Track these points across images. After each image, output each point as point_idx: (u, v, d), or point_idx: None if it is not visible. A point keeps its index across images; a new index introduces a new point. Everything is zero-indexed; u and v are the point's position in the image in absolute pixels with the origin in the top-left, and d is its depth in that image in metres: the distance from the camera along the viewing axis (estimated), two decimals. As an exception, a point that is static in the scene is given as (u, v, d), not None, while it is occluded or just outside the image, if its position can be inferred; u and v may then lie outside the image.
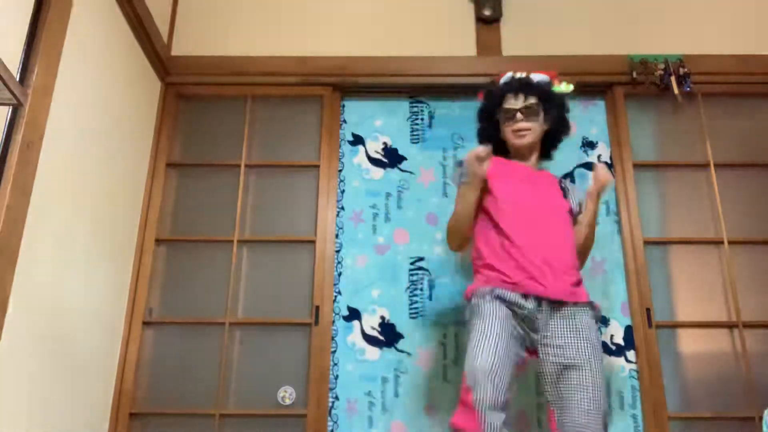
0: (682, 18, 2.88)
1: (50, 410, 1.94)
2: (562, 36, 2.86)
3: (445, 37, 2.87)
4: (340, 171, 2.72)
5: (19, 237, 1.74)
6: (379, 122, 2.80)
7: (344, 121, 2.80)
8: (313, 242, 2.61)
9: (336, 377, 2.44)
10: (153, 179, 2.67)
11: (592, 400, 1.78)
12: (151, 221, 2.62)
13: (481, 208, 2.07)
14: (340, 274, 2.58)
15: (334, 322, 2.51)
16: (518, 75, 2.16)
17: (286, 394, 2.43)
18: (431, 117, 2.80)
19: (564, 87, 2.17)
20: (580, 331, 1.86)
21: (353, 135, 2.78)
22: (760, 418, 2.28)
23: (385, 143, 2.76)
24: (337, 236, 2.63)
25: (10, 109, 1.76)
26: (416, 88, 2.82)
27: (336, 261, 2.59)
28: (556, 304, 1.89)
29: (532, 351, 1.93)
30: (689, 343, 2.48)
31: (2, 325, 1.66)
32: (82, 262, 2.14)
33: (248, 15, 2.93)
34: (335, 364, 2.46)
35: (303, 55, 2.83)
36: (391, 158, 2.74)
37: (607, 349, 2.44)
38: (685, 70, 2.70)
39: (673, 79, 2.69)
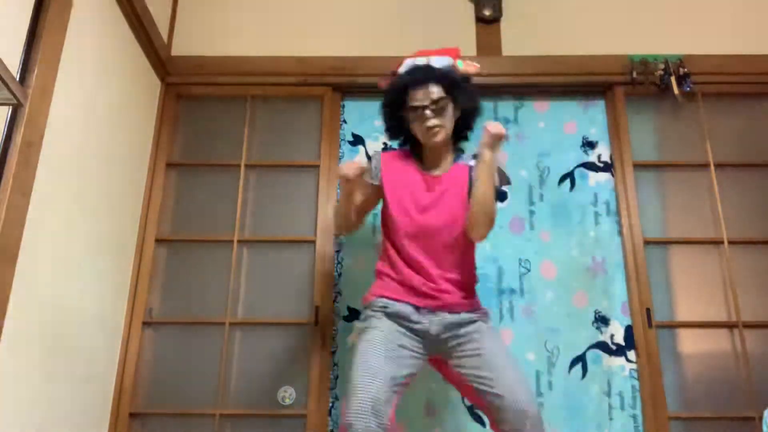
0: (682, 18, 2.88)
1: (50, 410, 1.94)
2: (562, 36, 2.86)
3: (445, 37, 2.86)
4: (340, 171, 2.72)
5: (19, 237, 1.74)
6: (379, 122, 2.77)
7: (344, 121, 2.79)
8: (313, 242, 2.61)
9: (336, 377, 2.44)
10: (153, 179, 2.67)
11: (515, 375, 1.80)
12: (151, 221, 2.62)
13: (383, 213, 2.06)
14: (340, 275, 2.57)
15: (334, 322, 2.51)
16: (420, 63, 2.02)
17: (286, 394, 2.43)
18: (431, 117, 2.80)
19: (469, 67, 2.05)
20: (476, 325, 1.90)
21: (353, 135, 2.78)
22: (760, 418, 2.28)
23: (385, 143, 2.76)
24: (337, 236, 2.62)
25: (10, 109, 1.76)
26: (416, 88, 2.81)
27: (336, 261, 2.59)
28: (448, 315, 1.90)
29: (434, 358, 1.97)
30: (689, 343, 2.48)
31: (2, 325, 1.66)
32: (82, 262, 2.14)
33: (248, 15, 2.93)
34: (335, 364, 2.46)
35: (303, 55, 2.83)
36: (391, 158, 2.74)
37: (607, 349, 2.44)
38: (685, 70, 2.70)
39: (673, 79, 2.69)
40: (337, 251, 2.60)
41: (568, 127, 2.76)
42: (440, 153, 2.05)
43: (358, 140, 2.77)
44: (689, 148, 2.72)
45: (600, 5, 2.93)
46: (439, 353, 1.94)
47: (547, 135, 2.74)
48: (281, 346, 2.50)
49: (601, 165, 2.69)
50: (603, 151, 2.71)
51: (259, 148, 2.77)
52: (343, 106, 2.81)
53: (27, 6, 1.85)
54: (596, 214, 2.62)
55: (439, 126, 1.97)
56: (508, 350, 1.91)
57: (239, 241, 2.62)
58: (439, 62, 2.01)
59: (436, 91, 1.97)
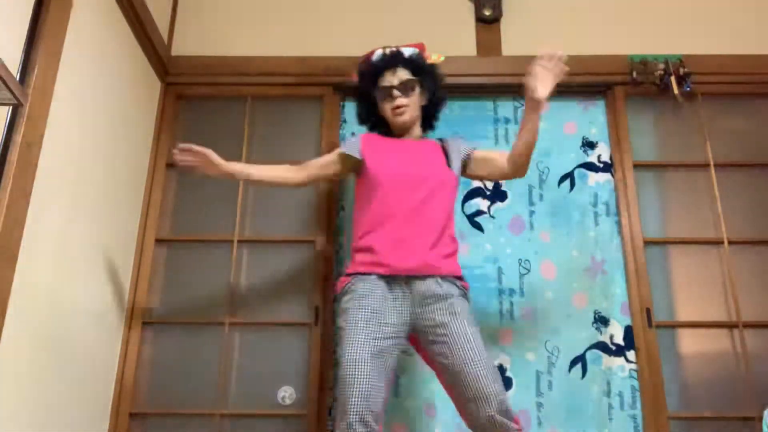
0: (682, 18, 2.88)
1: (50, 410, 1.94)
2: (562, 36, 2.86)
3: (445, 37, 2.87)
4: (340, 171, 2.72)
5: (19, 237, 1.74)
6: (379, 122, 2.79)
7: (344, 121, 2.79)
8: (313, 242, 2.61)
9: (336, 377, 2.44)
10: (153, 179, 2.68)
11: (486, 369, 1.78)
12: (151, 221, 2.62)
13: (357, 187, 2.11)
14: (340, 275, 2.57)
15: (334, 322, 2.51)
16: (389, 50, 2.16)
17: (286, 394, 2.43)
18: (431, 117, 2.80)
19: (435, 58, 2.21)
20: (453, 309, 1.87)
21: (353, 135, 2.78)
22: (760, 418, 2.28)
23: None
24: (337, 236, 2.62)
25: (10, 109, 1.76)
26: (416, 88, 2.82)
27: (336, 261, 2.59)
28: (421, 281, 1.89)
29: (414, 337, 1.95)
30: (689, 343, 2.48)
31: (2, 325, 1.66)
32: (82, 262, 2.14)
33: (248, 15, 2.93)
34: (335, 364, 2.46)
35: (303, 55, 2.83)
36: (391, 158, 2.74)
37: (607, 349, 2.44)
38: (685, 70, 2.70)
39: (673, 79, 2.69)
40: (337, 251, 2.60)
41: (568, 127, 2.76)
42: (407, 134, 2.16)
43: (358, 140, 2.77)
44: (689, 148, 2.72)
45: (600, 5, 2.93)
46: (414, 331, 1.93)
47: (547, 135, 2.74)
48: (281, 346, 2.50)
49: (601, 165, 2.69)
50: (603, 152, 2.71)
51: (259, 148, 2.77)
52: (343, 106, 2.81)
53: (27, 6, 1.85)
54: (596, 215, 2.62)
55: (405, 105, 2.11)
56: (478, 337, 1.87)
57: (239, 241, 2.62)
58: (407, 51, 2.16)
59: (403, 73, 2.12)
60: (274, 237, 2.64)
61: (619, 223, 2.59)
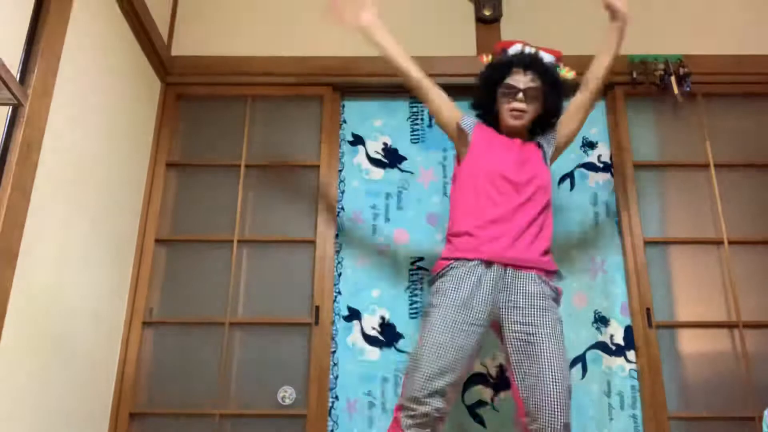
0: (682, 18, 2.88)
1: (50, 410, 1.94)
2: (562, 36, 2.85)
3: (445, 37, 2.87)
4: (340, 171, 2.72)
5: (19, 237, 1.74)
6: (379, 122, 2.80)
7: (344, 121, 2.80)
8: (313, 242, 2.61)
9: (336, 377, 2.44)
10: (153, 179, 2.67)
11: (558, 372, 1.78)
12: (151, 221, 2.62)
13: (460, 172, 2.09)
14: (340, 274, 2.58)
15: (334, 322, 2.51)
16: (528, 50, 2.11)
17: (286, 394, 2.43)
18: (431, 117, 2.80)
19: (567, 73, 2.16)
20: (543, 305, 1.88)
21: (353, 135, 2.78)
22: (760, 418, 2.28)
23: (385, 143, 2.76)
24: (337, 236, 2.63)
25: (10, 109, 1.76)
26: (416, 88, 2.81)
27: (336, 261, 2.59)
28: (518, 274, 1.90)
29: (497, 326, 1.95)
30: (689, 343, 2.48)
31: (2, 325, 1.66)
32: (82, 262, 2.14)
33: (248, 15, 2.93)
34: (335, 364, 2.46)
35: (303, 55, 2.83)
36: (391, 158, 2.74)
37: (607, 349, 2.45)
38: (685, 70, 2.70)
39: (673, 79, 2.69)
40: (337, 251, 2.60)
41: (568, 127, 2.76)
42: (513, 136, 2.10)
43: (358, 140, 2.77)
44: (689, 148, 2.72)
45: (599, 5, 2.91)
46: (498, 320, 1.92)
47: (547, 135, 2.74)
48: (281, 346, 2.50)
49: (601, 165, 2.69)
50: (603, 152, 2.71)
51: (259, 148, 2.77)
52: (343, 106, 2.81)
53: (27, 6, 1.85)
54: (596, 215, 2.62)
55: (523, 111, 2.05)
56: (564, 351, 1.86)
57: (239, 241, 2.62)
58: (546, 56, 2.11)
59: (533, 79, 2.05)
60: (274, 237, 2.63)
61: (619, 223, 2.59)
